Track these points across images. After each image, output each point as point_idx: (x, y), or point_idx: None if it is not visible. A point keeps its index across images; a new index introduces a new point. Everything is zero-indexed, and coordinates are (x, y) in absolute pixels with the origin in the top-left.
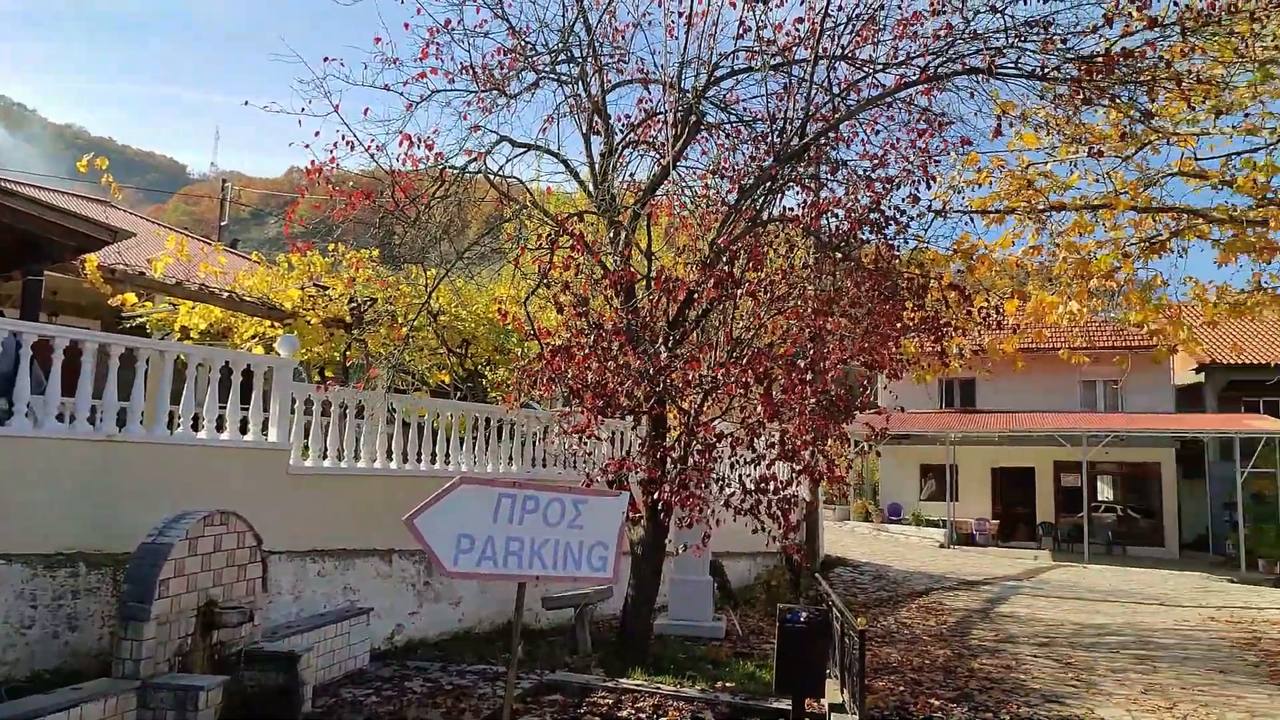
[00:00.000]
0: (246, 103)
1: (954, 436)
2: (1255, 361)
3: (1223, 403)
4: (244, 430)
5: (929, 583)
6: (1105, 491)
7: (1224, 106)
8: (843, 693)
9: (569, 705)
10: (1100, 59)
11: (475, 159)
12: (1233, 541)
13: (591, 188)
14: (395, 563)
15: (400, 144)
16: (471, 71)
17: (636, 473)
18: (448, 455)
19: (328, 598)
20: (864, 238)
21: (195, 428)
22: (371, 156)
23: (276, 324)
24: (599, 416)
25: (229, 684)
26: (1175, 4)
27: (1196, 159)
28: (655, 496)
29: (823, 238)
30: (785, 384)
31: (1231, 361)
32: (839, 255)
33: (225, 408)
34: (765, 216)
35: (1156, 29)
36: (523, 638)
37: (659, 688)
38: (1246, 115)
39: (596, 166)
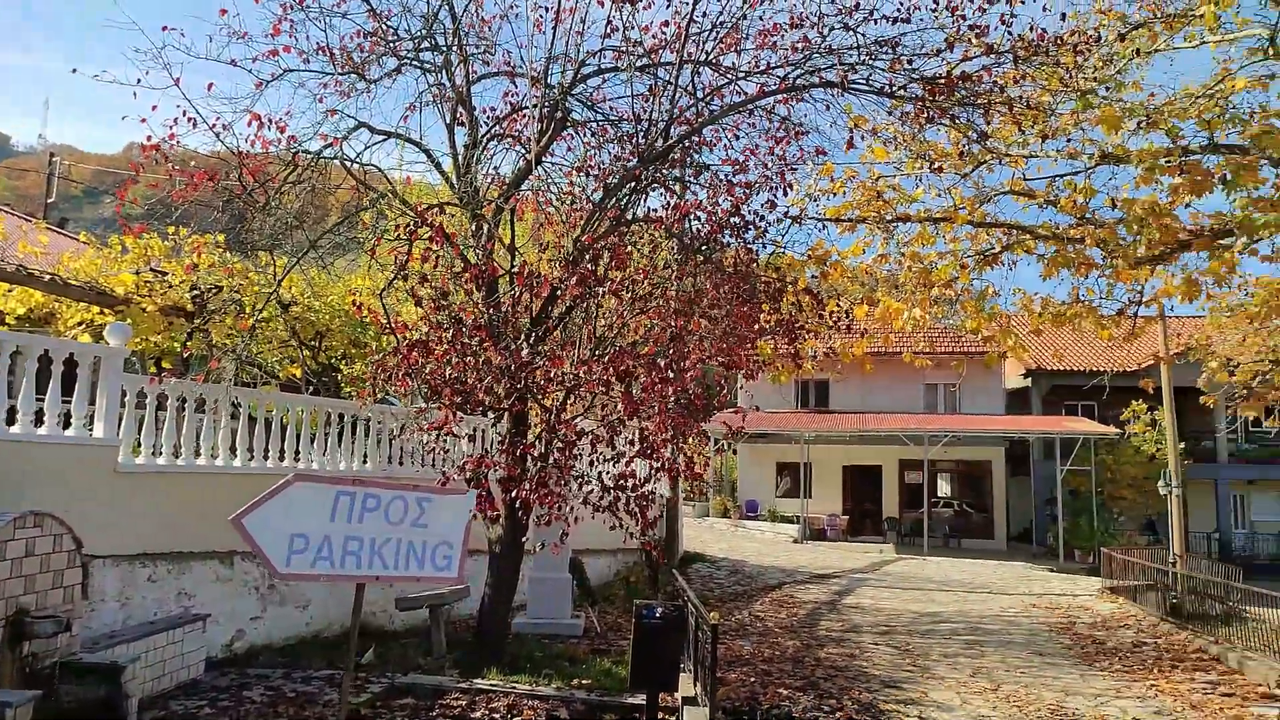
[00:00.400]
0: (75, 70)
1: (809, 435)
2: (1075, 368)
3: (1047, 406)
4: (66, 425)
5: (782, 577)
6: (944, 488)
7: (1049, 131)
8: (695, 686)
9: (420, 708)
10: (942, 80)
11: (331, 144)
12: (1053, 534)
13: (455, 180)
14: (237, 565)
15: (249, 124)
16: (328, 53)
17: (496, 470)
18: (297, 452)
19: (159, 604)
20: (725, 241)
21: (10, 422)
22: (217, 136)
23: (107, 311)
24: (457, 413)
25: (42, 699)
26: (1009, 34)
27: (1025, 179)
28: (514, 494)
29: (685, 240)
30: (646, 382)
31: (1055, 368)
32: (700, 257)
33: (44, 400)
34: (629, 216)
35: (992, 56)
36: (375, 640)
37: (514, 687)
38: (1069, 140)
39: (460, 158)
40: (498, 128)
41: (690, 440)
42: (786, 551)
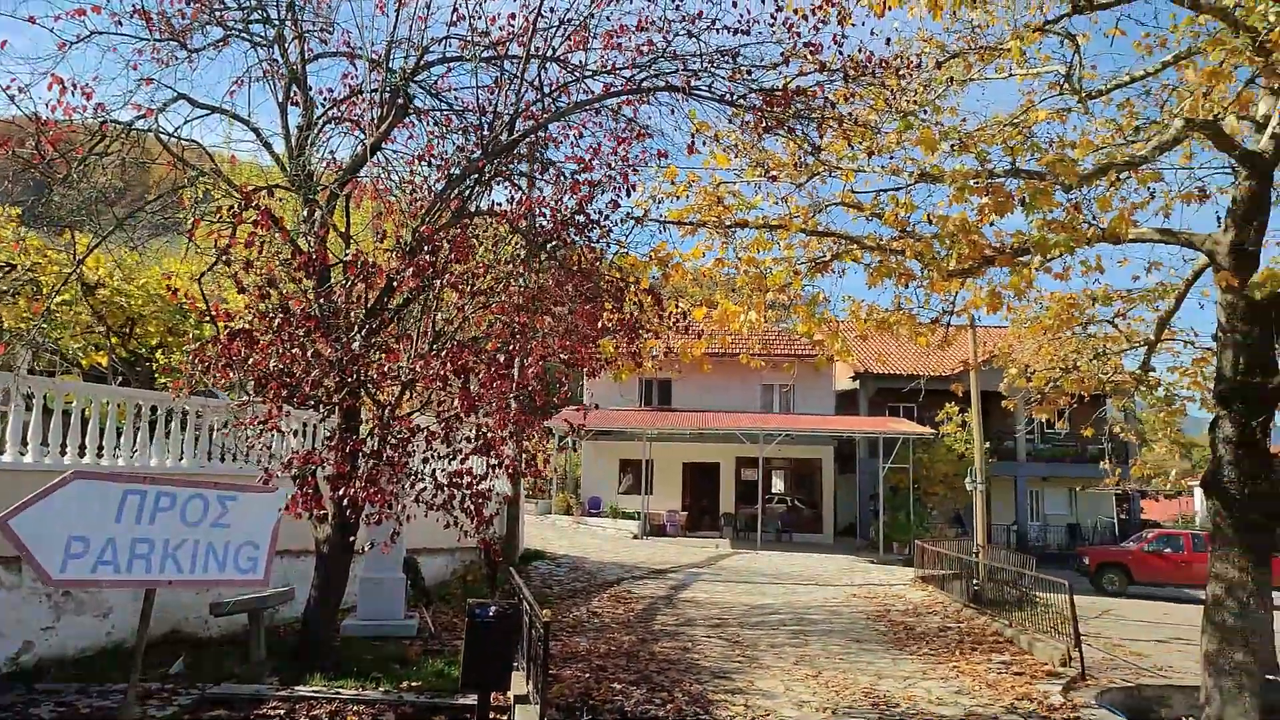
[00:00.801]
0: None
1: (651, 433)
2: (898, 372)
3: (873, 407)
4: None
5: (621, 573)
6: (779, 485)
7: (876, 148)
8: (528, 684)
9: None
10: (779, 93)
11: (145, 115)
12: (874, 528)
13: (286, 162)
14: (25, 572)
15: (50, 88)
16: (144, 16)
17: (324, 467)
18: (101, 447)
19: None
20: (569, 238)
21: None
22: (11, 99)
23: None
24: (284, 407)
25: None
26: (841, 54)
27: (854, 192)
28: (343, 493)
29: (530, 235)
30: (484, 378)
31: (881, 371)
32: (545, 254)
33: None
34: (472, 209)
35: (825, 73)
36: (189, 648)
37: (339, 692)
38: (891, 158)
39: (293, 140)
40: (335, 110)
41: (532, 437)
42: (627, 548)
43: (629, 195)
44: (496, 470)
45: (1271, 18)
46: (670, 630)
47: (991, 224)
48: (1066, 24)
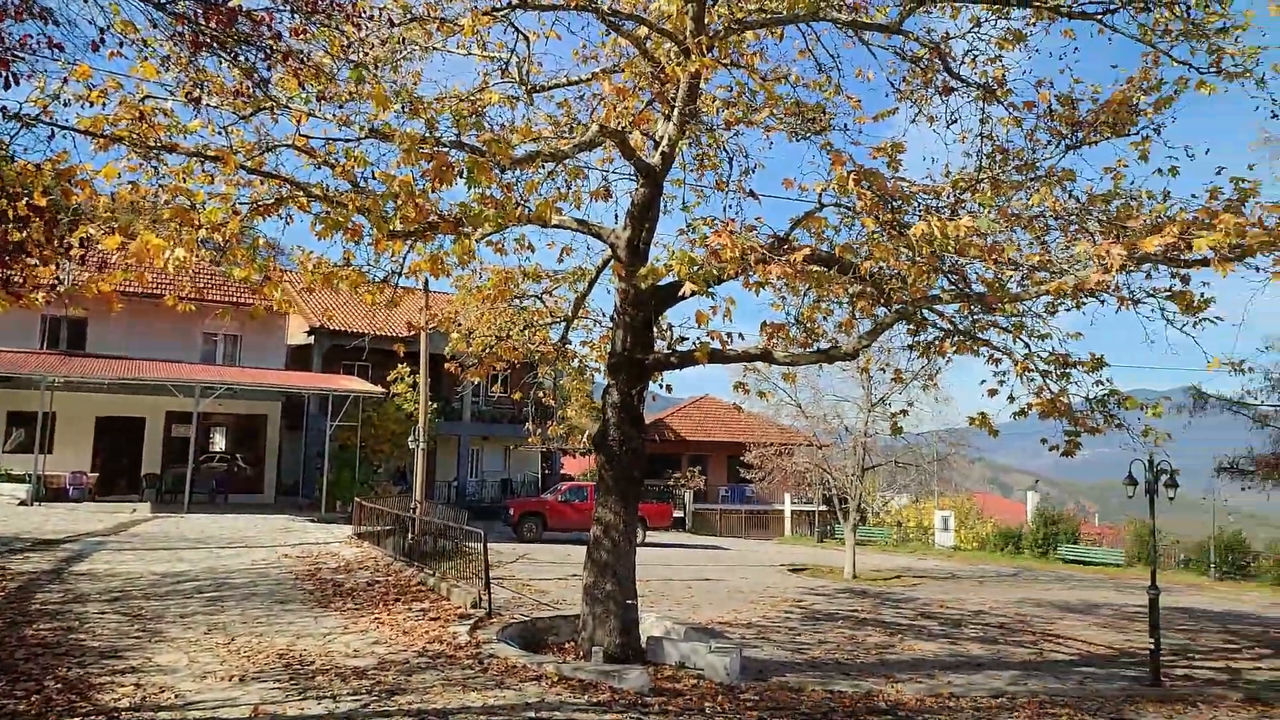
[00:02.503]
0: None
1: (54, 381)
2: (354, 330)
3: (328, 364)
4: None
5: None
6: (220, 442)
7: (329, 95)
8: None
9: None
10: (223, 7)
11: None
12: (319, 486)
13: None
14: None
15: None
16: None
17: None
18: None
19: None
20: None
21: None
22: None
23: None
24: None
25: None
26: None
27: (308, 137)
28: None
29: None
30: None
31: (338, 328)
32: None
33: None
34: None
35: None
36: None
37: None
38: (342, 107)
39: None
40: None
41: None
42: (11, 516)
43: (6, 88)
44: None
45: (673, 55)
46: (53, 610)
47: (434, 191)
48: (516, 17)
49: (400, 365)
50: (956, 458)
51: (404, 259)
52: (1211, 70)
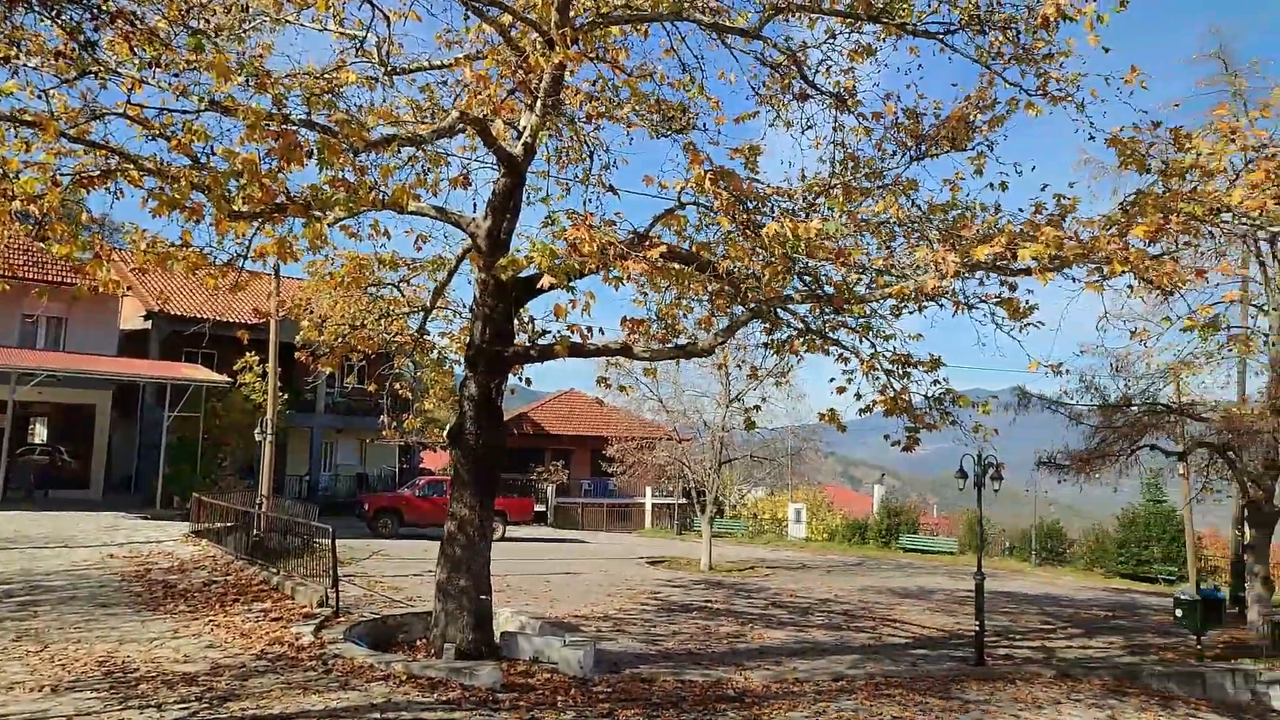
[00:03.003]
0: None
1: None
2: (197, 315)
3: (166, 351)
4: None
5: None
6: (41, 433)
7: (165, 62)
8: None
9: None
10: None
11: None
12: (154, 481)
13: None
14: None
15: None
16: None
17: None
18: None
19: None
20: None
21: None
22: None
23: None
24: None
25: None
26: None
27: (140, 106)
28: None
29: None
30: None
31: (178, 313)
32: None
33: None
34: None
35: None
36: None
37: None
38: (178, 76)
39: None
40: None
41: None
42: None
43: None
44: None
45: (538, 45)
46: None
47: (281, 171)
48: None
49: (249, 354)
50: (809, 452)
51: (250, 241)
52: (1039, 93)
